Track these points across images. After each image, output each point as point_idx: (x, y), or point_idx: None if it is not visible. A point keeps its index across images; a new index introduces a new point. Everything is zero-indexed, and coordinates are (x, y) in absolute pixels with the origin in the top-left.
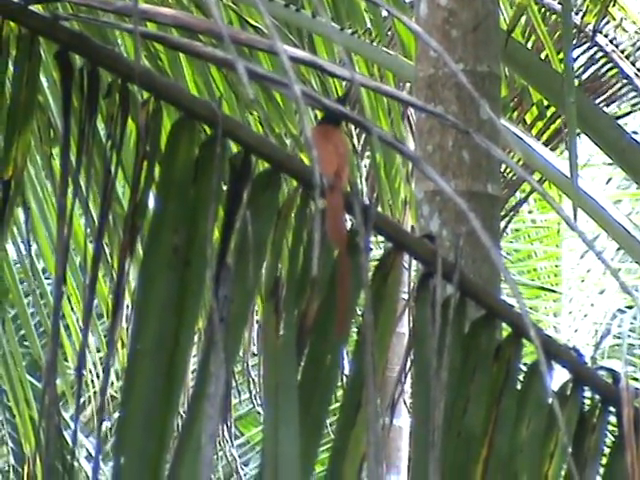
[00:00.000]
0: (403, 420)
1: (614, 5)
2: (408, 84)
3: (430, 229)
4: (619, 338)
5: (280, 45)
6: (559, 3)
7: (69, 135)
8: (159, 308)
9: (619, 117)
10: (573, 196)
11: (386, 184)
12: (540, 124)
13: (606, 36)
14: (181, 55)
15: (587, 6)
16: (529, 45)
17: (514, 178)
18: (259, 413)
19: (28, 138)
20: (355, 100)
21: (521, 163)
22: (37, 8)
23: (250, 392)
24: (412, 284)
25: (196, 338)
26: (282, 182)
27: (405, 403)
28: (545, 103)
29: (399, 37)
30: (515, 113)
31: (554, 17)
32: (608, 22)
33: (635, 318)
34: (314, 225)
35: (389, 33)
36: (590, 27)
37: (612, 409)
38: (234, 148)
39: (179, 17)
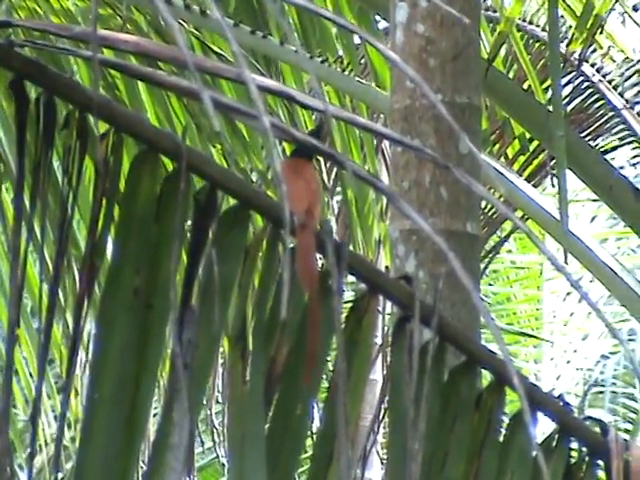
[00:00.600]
0: (375, 472)
1: (601, 33)
2: (382, 115)
3: (406, 270)
4: (602, 386)
5: (248, 74)
6: (543, 30)
7: (24, 170)
8: (119, 353)
9: (606, 152)
10: (561, 237)
11: (358, 222)
12: (522, 159)
13: (593, 65)
14: (140, 84)
15: (573, 34)
16: (511, 75)
17: (494, 216)
18: (223, 465)
19: None
20: (325, 133)
21: (502, 200)
22: None
23: (214, 441)
24: (385, 328)
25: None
26: (250, 219)
27: (378, 454)
28: (528, 136)
29: (372, 66)
30: (496, 147)
31: (537, 45)
32: (595, 50)
33: (619, 364)
34: (283, 265)
35: (362, 62)
36: (575, 55)
37: (600, 462)
38: (199, 183)
39: (141, 44)
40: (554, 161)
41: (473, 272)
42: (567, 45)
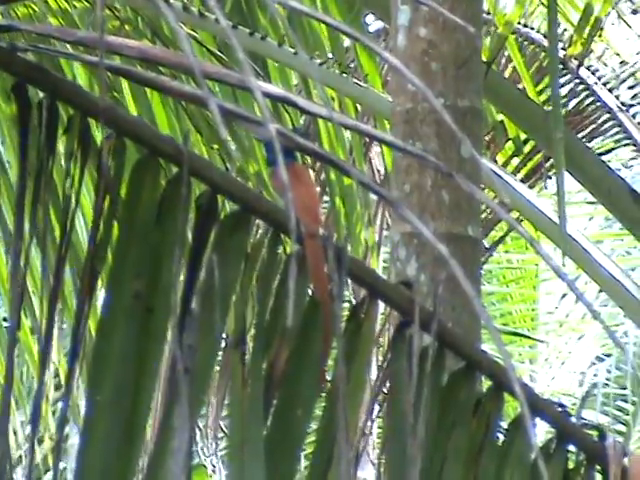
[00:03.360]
0: (368, 472)
1: (600, 36)
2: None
3: (407, 273)
4: (595, 386)
5: (253, 80)
6: (537, 32)
7: (26, 174)
8: (119, 357)
9: (600, 154)
10: (559, 239)
11: (345, 228)
12: (515, 160)
13: (588, 68)
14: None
15: (571, 36)
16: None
17: (489, 217)
18: (204, 466)
19: None
20: (312, 138)
21: (496, 201)
22: None
23: (196, 444)
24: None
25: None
26: (251, 224)
27: (368, 455)
28: (522, 138)
29: (362, 68)
30: (489, 150)
31: (532, 47)
32: (591, 52)
33: (612, 366)
34: (289, 273)
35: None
36: (570, 58)
37: (598, 467)
38: (199, 186)
39: (145, 50)
40: (549, 163)
41: (474, 276)
42: (562, 48)
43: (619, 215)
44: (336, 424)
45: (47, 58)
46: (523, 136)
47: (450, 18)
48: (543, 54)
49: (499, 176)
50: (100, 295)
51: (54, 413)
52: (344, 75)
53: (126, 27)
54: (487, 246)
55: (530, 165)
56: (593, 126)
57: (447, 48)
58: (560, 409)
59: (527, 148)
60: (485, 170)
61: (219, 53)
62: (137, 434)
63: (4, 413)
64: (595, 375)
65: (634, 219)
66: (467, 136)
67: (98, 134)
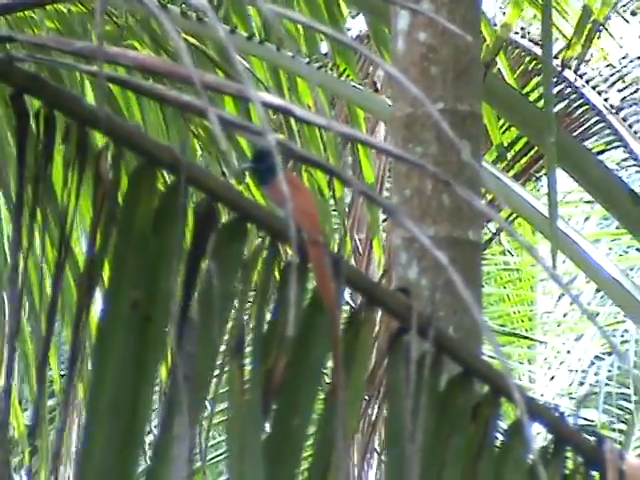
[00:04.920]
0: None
1: (599, 38)
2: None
3: (408, 277)
4: (597, 386)
5: (252, 91)
6: (522, 37)
7: (24, 184)
8: (117, 366)
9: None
10: (552, 238)
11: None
12: (504, 163)
13: (575, 71)
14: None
15: (571, 38)
16: None
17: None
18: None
19: None
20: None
21: (490, 199)
22: None
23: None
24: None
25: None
26: (249, 232)
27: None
28: (506, 144)
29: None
30: None
31: (517, 51)
32: (579, 55)
33: (613, 365)
34: (286, 279)
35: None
36: (559, 60)
37: (595, 472)
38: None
39: (142, 59)
40: (538, 164)
41: (475, 280)
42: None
43: (619, 216)
44: (334, 430)
45: (44, 68)
46: (509, 139)
47: (449, 21)
48: (528, 58)
49: (499, 179)
50: (98, 304)
51: (51, 420)
52: (341, 78)
53: (123, 31)
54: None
55: (517, 167)
56: (582, 128)
57: (446, 52)
58: (557, 413)
59: (516, 150)
60: (484, 176)
61: (216, 57)
62: (136, 442)
63: (4, 421)
64: (596, 374)
65: (634, 220)
66: (467, 140)
67: (96, 143)
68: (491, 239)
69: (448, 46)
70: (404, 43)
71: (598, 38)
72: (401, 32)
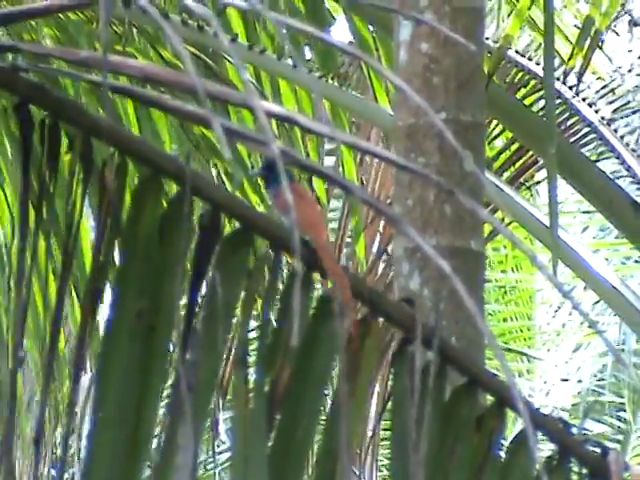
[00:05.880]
0: None
1: (601, 48)
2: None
3: (410, 288)
4: (599, 394)
5: (256, 100)
6: (515, 52)
7: (28, 194)
8: (122, 375)
9: None
10: (552, 247)
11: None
12: (497, 165)
13: (564, 83)
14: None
15: (573, 48)
16: None
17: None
18: None
19: None
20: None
21: (489, 208)
22: None
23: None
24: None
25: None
26: (253, 242)
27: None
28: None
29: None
30: None
31: (503, 62)
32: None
33: (612, 376)
34: (294, 292)
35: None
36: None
37: None
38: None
39: (147, 69)
40: (529, 172)
41: (478, 289)
42: (537, 63)
43: (620, 226)
44: (339, 440)
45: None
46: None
47: (452, 31)
48: (514, 70)
49: (501, 189)
50: (103, 313)
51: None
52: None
53: (125, 39)
54: None
55: (506, 177)
56: (573, 139)
57: (449, 62)
58: (561, 424)
59: (508, 155)
60: (487, 185)
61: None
62: (141, 451)
63: (8, 433)
64: (598, 380)
65: (636, 230)
66: (469, 150)
67: (100, 153)
68: (487, 239)
69: (450, 56)
70: (406, 54)
71: (601, 49)
72: (403, 43)
